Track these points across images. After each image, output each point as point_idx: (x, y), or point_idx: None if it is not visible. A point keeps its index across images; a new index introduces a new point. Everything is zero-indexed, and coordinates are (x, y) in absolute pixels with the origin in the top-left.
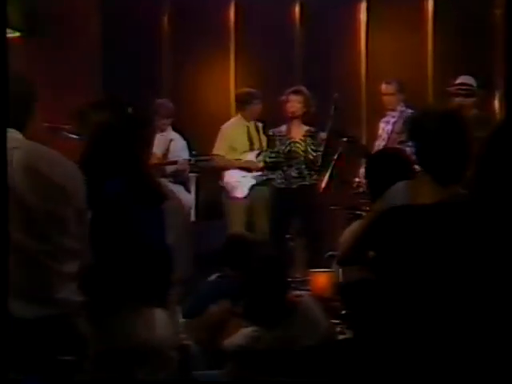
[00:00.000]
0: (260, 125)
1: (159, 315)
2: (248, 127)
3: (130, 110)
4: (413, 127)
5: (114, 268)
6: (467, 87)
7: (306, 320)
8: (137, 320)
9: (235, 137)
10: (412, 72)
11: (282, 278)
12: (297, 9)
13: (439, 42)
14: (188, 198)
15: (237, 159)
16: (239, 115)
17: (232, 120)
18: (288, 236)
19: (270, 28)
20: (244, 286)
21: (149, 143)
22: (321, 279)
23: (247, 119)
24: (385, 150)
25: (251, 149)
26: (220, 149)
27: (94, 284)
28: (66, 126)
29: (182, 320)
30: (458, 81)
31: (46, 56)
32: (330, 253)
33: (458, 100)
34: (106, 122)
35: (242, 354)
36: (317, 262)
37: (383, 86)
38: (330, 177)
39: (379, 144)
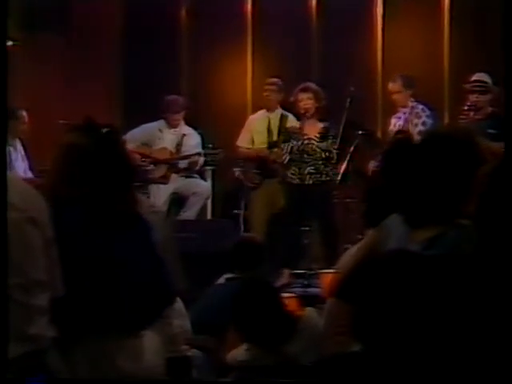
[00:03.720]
0: (287, 115)
1: (148, 341)
2: (269, 119)
3: (103, 130)
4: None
5: (88, 298)
6: (482, 84)
7: (309, 335)
8: (120, 351)
9: (255, 129)
10: (428, 65)
11: (273, 303)
12: (314, 1)
13: (455, 36)
14: (204, 186)
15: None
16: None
17: (259, 112)
18: (304, 230)
19: (286, 20)
20: (237, 311)
21: (124, 164)
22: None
23: (268, 110)
24: None
25: (268, 141)
26: (242, 140)
27: (70, 317)
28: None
29: (188, 327)
30: (473, 78)
31: (67, 52)
32: (346, 246)
33: (473, 97)
34: (70, 144)
35: (244, 369)
36: (333, 256)
37: (390, 85)
38: (346, 169)
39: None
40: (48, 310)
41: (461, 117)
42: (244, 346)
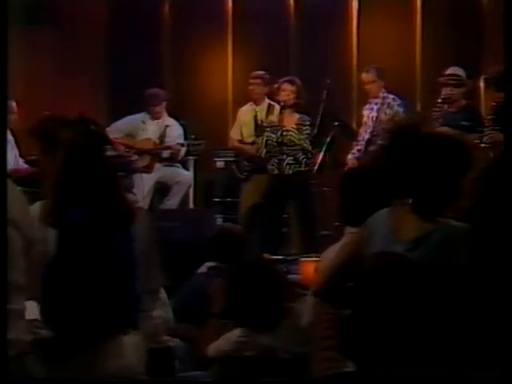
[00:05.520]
0: (275, 105)
1: (129, 337)
2: (256, 111)
3: (93, 127)
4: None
5: (86, 299)
6: (456, 77)
7: (296, 330)
8: (109, 350)
9: (243, 121)
10: (401, 59)
11: (275, 281)
12: None
13: (427, 32)
14: (187, 175)
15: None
16: None
17: (247, 104)
18: (283, 217)
19: (266, 17)
20: (233, 289)
21: (111, 162)
22: (310, 268)
23: (255, 103)
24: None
25: (256, 134)
26: (233, 132)
27: (64, 318)
28: (66, 114)
29: (170, 316)
30: (447, 71)
31: (54, 45)
32: (323, 232)
33: (447, 90)
34: (77, 141)
35: (227, 360)
36: (311, 242)
37: (363, 75)
38: (323, 159)
39: (366, 130)
40: (24, 314)
41: (435, 109)
42: (236, 332)
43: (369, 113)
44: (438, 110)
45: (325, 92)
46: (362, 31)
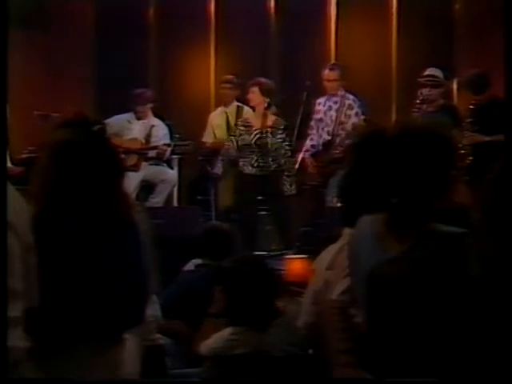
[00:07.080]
0: (243, 106)
1: (128, 348)
2: (227, 114)
3: (96, 127)
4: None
5: (75, 305)
6: (434, 78)
7: (288, 329)
8: (100, 360)
9: (215, 124)
10: (377, 62)
11: (269, 278)
12: (272, 1)
13: (403, 35)
14: (172, 174)
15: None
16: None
17: (218, 108)
18: (258, 215)
19: (247, 19)
20: (226, 287)
21: (117, 164)
22: (295, 266)
23: (225, 105)
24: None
25: (228, 135)
26: (206, 136)
27: (53, 325)
28: (56, 114)
29: (159, 314)
30: (426, 72)
31: (42, 46)
32: (303, 229)
33: (425, 90)
34: (65, 141)
35: (217, 358)
36: (286, 239)
37: (326, 72)
38: (303, 158)
39: (323, 128)
40: (22, 321)
41: (413, 109)
42: (227, 330)
43: (326, 110)
44: (416, 109)
45: (305, 94)
46: (340, 34)
